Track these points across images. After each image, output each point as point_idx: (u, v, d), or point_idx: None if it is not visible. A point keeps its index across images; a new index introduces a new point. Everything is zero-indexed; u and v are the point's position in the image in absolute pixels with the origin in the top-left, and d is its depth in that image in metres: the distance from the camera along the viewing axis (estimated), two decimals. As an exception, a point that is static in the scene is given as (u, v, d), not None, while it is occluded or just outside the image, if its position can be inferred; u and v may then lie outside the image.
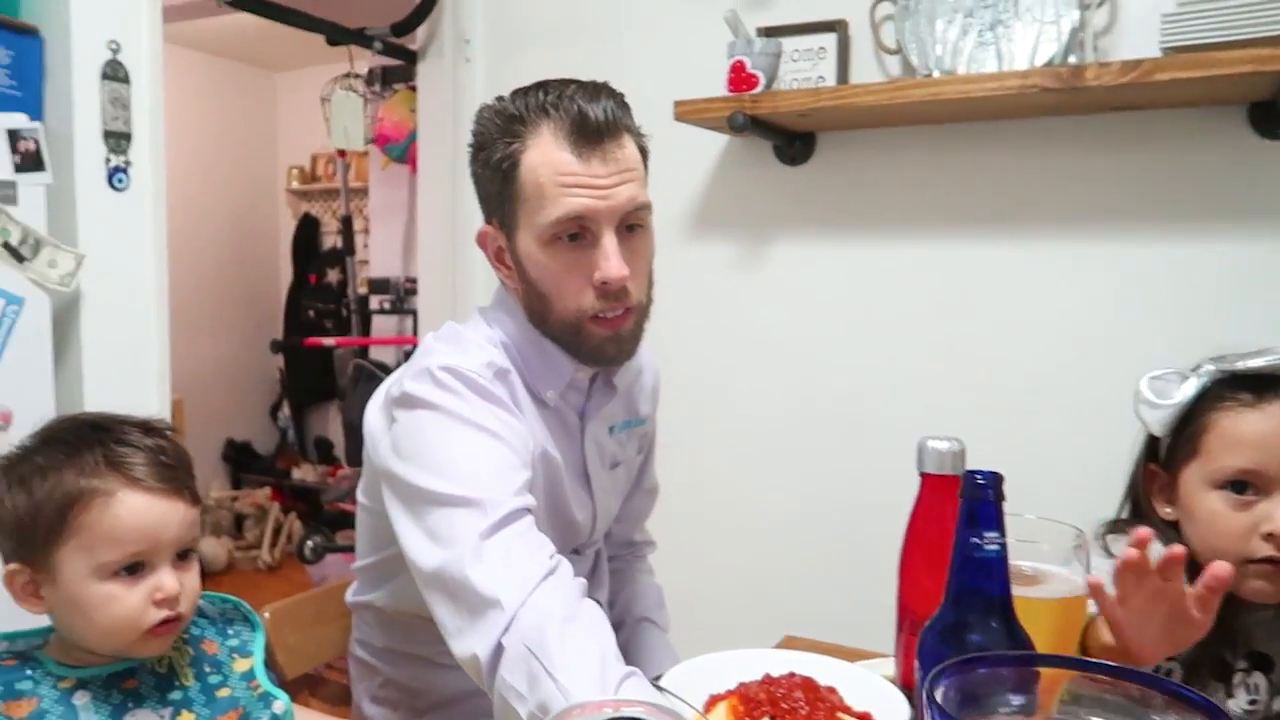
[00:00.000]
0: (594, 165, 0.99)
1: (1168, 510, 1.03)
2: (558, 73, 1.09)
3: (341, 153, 3.96)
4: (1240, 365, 0.98)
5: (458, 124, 2.28)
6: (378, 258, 3.96)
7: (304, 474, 4.60)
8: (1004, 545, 0.65)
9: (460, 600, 0.87)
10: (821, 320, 1.99)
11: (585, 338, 1.04)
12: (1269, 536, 0.92)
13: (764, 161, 2.03)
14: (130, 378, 1.69)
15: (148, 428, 0.90)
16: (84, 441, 0.85)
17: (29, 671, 0.83)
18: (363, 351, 3.88)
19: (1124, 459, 1.09)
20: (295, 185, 4.96)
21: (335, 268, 4.56)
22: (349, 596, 1.22)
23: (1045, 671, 0.58)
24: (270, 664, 1.04)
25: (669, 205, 2.13)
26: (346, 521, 3.55)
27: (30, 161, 1.55)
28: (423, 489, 0.94)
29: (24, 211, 1.53)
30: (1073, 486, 1.26)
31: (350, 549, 1.24)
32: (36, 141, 1.55)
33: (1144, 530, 0.83)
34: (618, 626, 1.31)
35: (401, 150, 3.40)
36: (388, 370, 2.89)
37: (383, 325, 3.91)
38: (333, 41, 2.64)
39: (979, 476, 0.65)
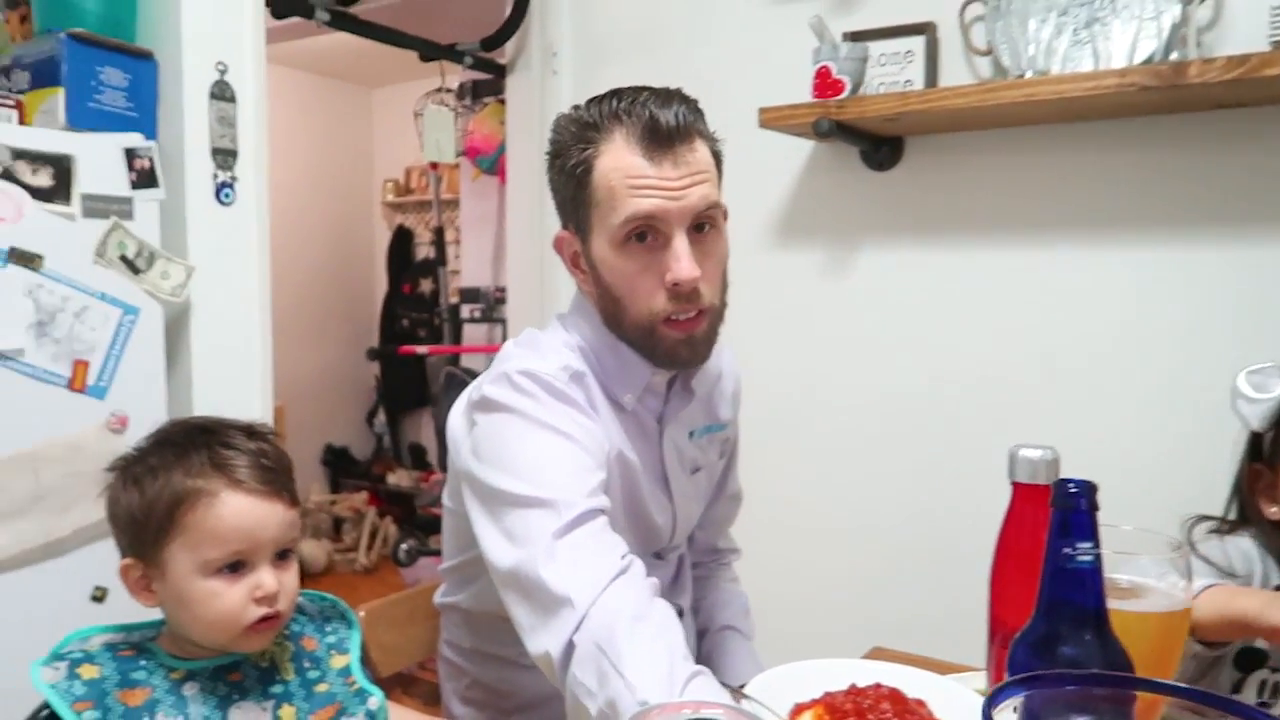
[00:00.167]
0: (665, 168, 1.00)
1: (1273, 510, 1.00)
2: (642, 83, 1.09)
3: (434, 165, 4.06)
4: None
5: (544, 135, 2.28)
6: (468, 267, 4.04)
7: (399, 479, 4.72)
8: (1098, 556, 0.63)
9: (534, 599, 0.89)
10: (910, 327, 1.95)
11: (659, 340, 1.05)
12: None
13: (851, 167, 2.00)
14: (236, 383, 1.77)
15: (251, 431, 0.94)
16: (192, 444, 0.89)
17: (143, 662, 0.88)
18: (454, 359, 3.97)
19: (1227, 468, 1.05)
20: (390, 198, 5.11)
21: (428, 278, 4.67)
22: (437, 598, 1.25)
23: (1143, 695, 0.56)
24: (365, 661, 1.08)
25: (755, 212, 2.12)
26: (439, 526, 3.62)
27: (145, 178, 1.63)
28: (499, 490, 0.96)
29: (139, 226, 1.62)
30: (1174, 498, 1.21)
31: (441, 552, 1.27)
32: (151, 159, 1.64)
33: None
34: (701, 634, 1.31)
35: (491, 162, 3.47)
36: (476, 377, 2.95)
37: (473, 333, 4.00)
38: (425, 58, 2.72)
39: (1071, 485, 0.64)
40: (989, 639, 0.84)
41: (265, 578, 0.87)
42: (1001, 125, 1.83)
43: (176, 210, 1.69)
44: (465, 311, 4.03)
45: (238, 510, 0.86)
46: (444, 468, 1.23)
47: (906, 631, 1.34)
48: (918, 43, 1.89)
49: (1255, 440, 1.03)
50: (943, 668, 1.00)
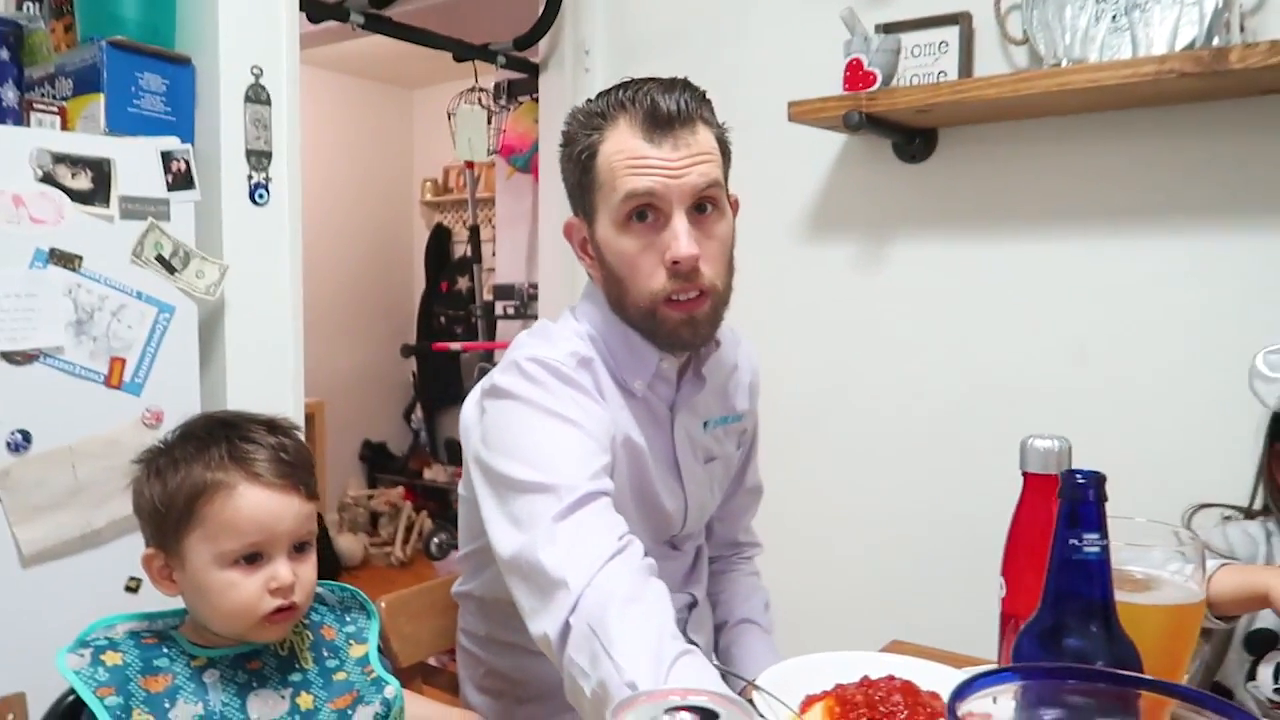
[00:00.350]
0: (665, 149, 1.02)
1: None
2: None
3: (470, 164, 4.09)
4: None
5: (576, 133, 2.33)
6: (503, 265, 4.07)
7: (435, 474, 4.77)
8: (1105, 547, 0.61)
9: (533, 582, 0.91)
10: (943, 321, 1.93)
11: (660, 321, 1.06)
12: None
13: (883, 160, 1.98)
14: (268, 379, 1.80)
15: (273, 426, 0.95)
16: (213, 437, 0.91)
17: (165, 650, 0.90)
18: (488, 356, 4.00)
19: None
20: (429, 197, 5.17)
21: (465, 275, 4.72)
22: (454, 587, 1.27)
23: (1147, 696, 0.55)
24: (384, 651, 1.09)
25: (787, 207, 2.11)
26: (471, 521, 3.66)
27: (181, 180, 1.67)
28: (505, 476, 0.98)
29: (175, 226, 1.65)
30: (1204, 494, 1.18)
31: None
32: (187, 162, 1.68)
33: None
34: (720, 627, 1.31)
35: (525, 160, 3.49)
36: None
37: (507, 330, 4.02)
38: (459, 58, 2.74)
39: (1079, 475, 0.63)
40: (1000, 630, 0.83)
41: (281, 570, 0.88)
42: (1037, 115, 1.80)
43: (212, 211, 1.73)
44: (499, 308, 4.06)
45: (255, 503, 0.88)
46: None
47: (929, 627, 1.32)
48: (952, 33, 1.87)
49: (1276, 420, 1.05)
50: (960, 661, 0.98)
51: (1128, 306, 1.73)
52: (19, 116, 1.64)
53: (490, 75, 3.38)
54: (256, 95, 1.79)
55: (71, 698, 0.88)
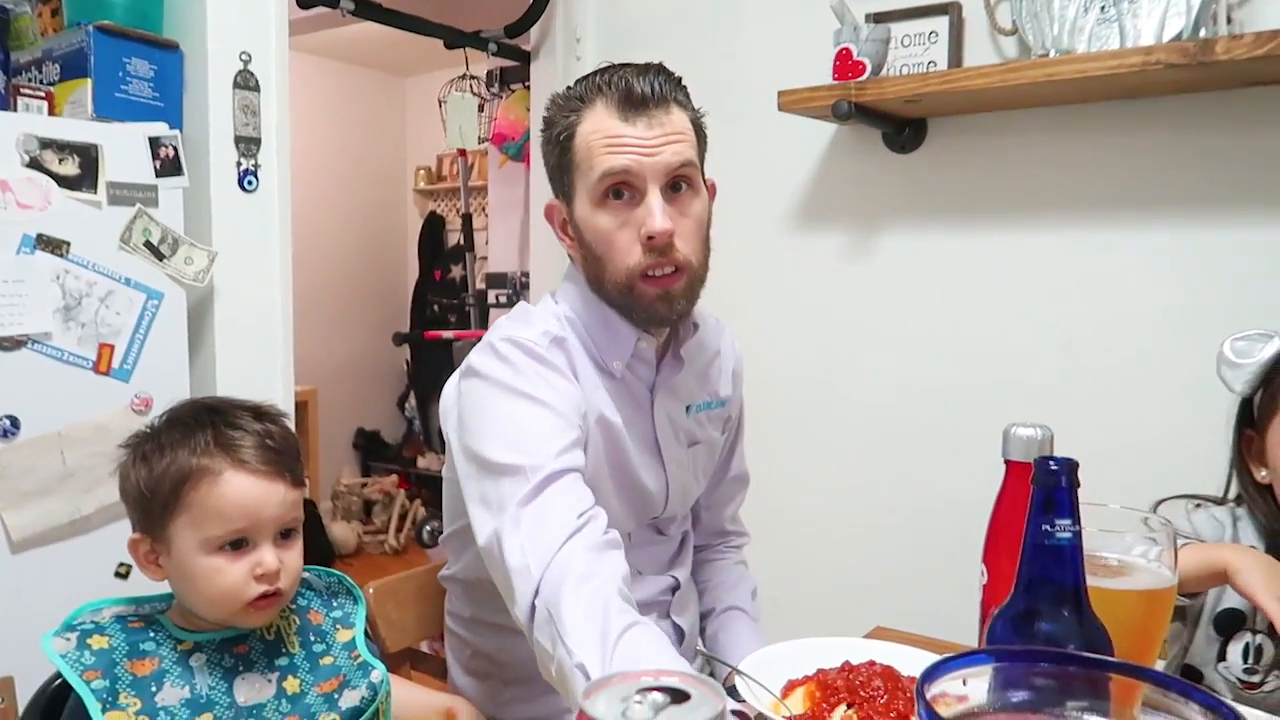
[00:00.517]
0: (639, 127, 1.04)
1: (1262, 474, 1.03)
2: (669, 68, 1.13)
3: (462, 152, 4.08)
4: None
5: (567, 121, 2.33)
6: (496, 253, 4.06)
7: (428, 463, 4.77)
8: (1077, 534, 0.62)
9: (503, 568, 0.94)
10: (931, 310, 1.94)
11: (637, 297, 1.08)
12: None
13: (873, 150, 1.99)
14: (258, 365, 1.81)
15: (259, 413, 0.95)
16: (199, 423, 0.91)
17: (152, 634, 0.90)
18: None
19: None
20: (422, 185, 5.15)
21: (458, 263, 4.71)
22: (441, 572, 1.29)
23: (1117, 679, 0.56)
24: (372, 636, 1.10)
25: (776, 196, 2.11)
26: (464, 509, 3.66)
27: (169, 166, 1.67)
28: (477, 454, 1.01)
29: (163, 213, 1.65)
30: (1188, 482, 1.19)
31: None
32: (175, 148, 1.67)
33: None
34: (708, 615, 1.32)
35: (517, 148, 3.48)
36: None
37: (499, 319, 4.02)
38: (450, 45, 2.73)
39: (1052, 462, 0.64)
40: (981, 616, 0.84)
41: (266, 556, 0.89)
42: (1025, 106, 1.80)
43: (200, 197, 1.73)
44: (492, 297, 4.05)
45: (240, 489, 0.88)
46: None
47: (916, 614, 1.33)
48: (942, 23, 1.87)
49: (1246, 406, 1.07)
50: (942, 647, 0.99)
51: (1114, 296, 1.74)
52: (5, 101, 1.64)
53: (482, 63, 3.37)
54: (245, 81, 1.79)
55: (58, 681, 0.88)
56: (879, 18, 1.90)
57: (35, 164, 1.49)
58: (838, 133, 2.03)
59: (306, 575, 1.00)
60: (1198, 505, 1.11)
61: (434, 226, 5.05)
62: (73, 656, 0.85)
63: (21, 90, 1.61)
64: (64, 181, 1.53)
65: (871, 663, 0.87)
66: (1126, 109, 1.71)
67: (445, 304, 4.78)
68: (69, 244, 1.53)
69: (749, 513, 1.43)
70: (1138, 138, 1.71)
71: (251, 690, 0.91)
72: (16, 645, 1.03)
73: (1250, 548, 1.01)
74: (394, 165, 5.22)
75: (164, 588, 0.94)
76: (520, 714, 1.20)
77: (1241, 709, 0.47)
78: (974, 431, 1.85)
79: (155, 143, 1.65)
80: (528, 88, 2.88)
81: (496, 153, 3.75)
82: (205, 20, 1.73)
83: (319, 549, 3.82)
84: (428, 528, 3.81)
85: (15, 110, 1.59)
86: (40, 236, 1.50)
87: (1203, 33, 1.55)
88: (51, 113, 1.63)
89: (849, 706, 0.82)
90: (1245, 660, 1.02)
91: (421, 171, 5.16)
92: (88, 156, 1.56)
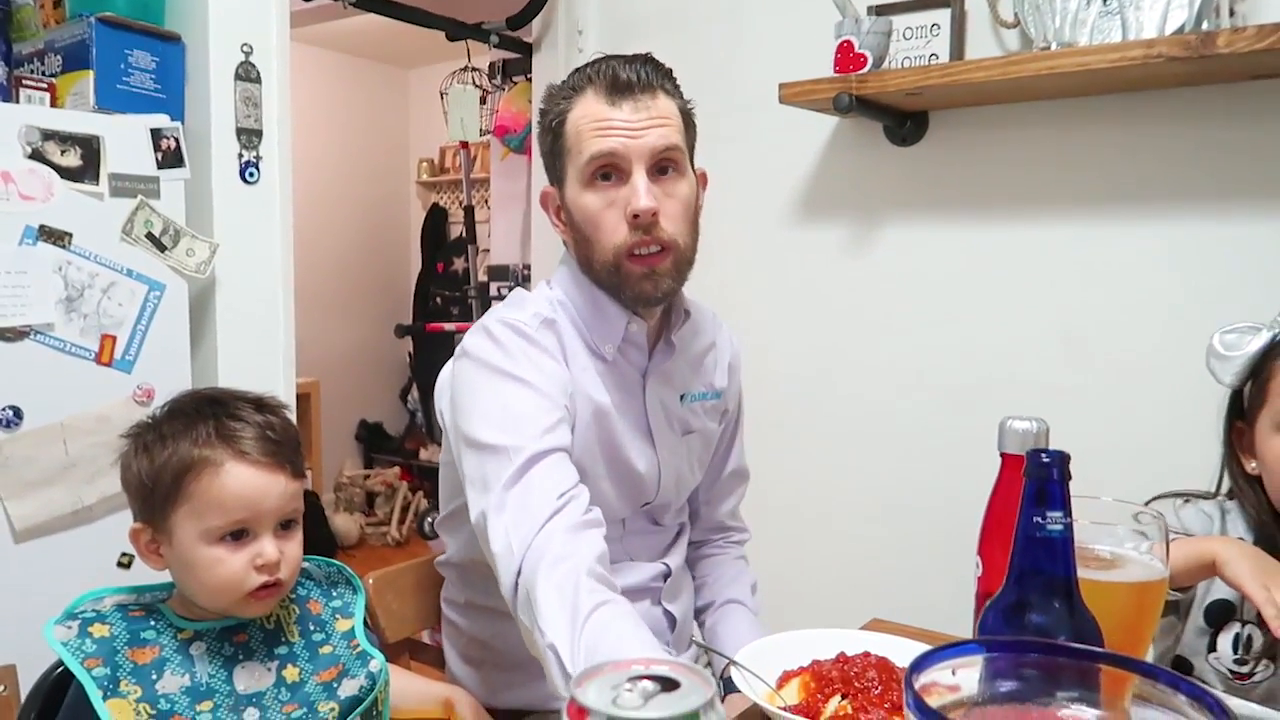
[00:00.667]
0: (625, 111, 1.08)
1: (1252, 465, 1.04)
2: (668, 60, 1.16)
3: (464, 144, 4.08)
4: None
5: (569, 113, 2.33)
6: (498, 245, 4.06)
7: (431, 454, 4.77)
8: (1069, 525, 0.63)
9: (491, 550, 0.96)
10: (931, 303, 1.94)
11: (624, 276, 1.11)
12: None
13: (874, 143, 1.99)
14: (259, 357, 1.81)
15: (260, 404, 0.96)
16: (200, 414, 0.92)
17: (152, 623, 0.91)
18: (483, 337, 3.99)
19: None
20: (425, 177, 5.15)
21: (461, 256, 4.71)
22: (437, 559, 1.30)
23: (1107, 670, 0.56)
24: (371, 626, 1.11)
25: (777, 188, 2.11)
26: (467, 501, 3.67)
27: (171, 158, 1.67)
28: (466, 434, 1.04)
29: (165, 205, 1.65)
30: (1186, 476, 1.19)
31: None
32: (177, 140, 1.68)
33: None
34: (707, 608, 1.33)
35: (519, 141, 3.47)
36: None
37: (502, 312, 4.02)
38: (452, 37, 2.73)
39: (1044, 455, 0.64)
40: (975, 607, 0.85)
41: (267, 547, 0.89)
42: (1027, 99, 1.80)
43: (202, 189, 1.73)
44: (494, 289, 4.05)
45: (241, 480, 0.89)
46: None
47: (915, 607, 1.34)
48: (943, 16, 1.87)
49: (1236, 398, 1.07)
50: (937, 639, 1.00)
51: (1116, 290, 1.74)
52: (7, 93, 1.64)
53: (484, 55, 3.37)
54: (246, 73, 1.79)
55: (60, 669, 0.89)
56: (880, 10, 1.90)
57: (37, 155, 1.50)
58: (839, 125, 2.03)
59: (306, 565, 1.01)
60: (1186, 501, 1.12)
61: (436, 219, 5.05)
62: (74, 644, 0.86)
63: (24, 82, 1.61)
64: (66, 173, 1.53)
65: (866, 654, 0.88)
66: (1128, 102, 1.71)
67: (447, 296, 4.79)
68: (71, 235, 1.53)
69: (747, 503, 1.43)
70: (1140, 131, 1.71)
71: (251, 678, 0.91)
72: (18, 634, 1.04)
73: (1238, 539, 1.01)
74: (396, 157, 5.22)
75: (165, 577, 0.95)
76: (514, 700, 1.22)
77: (1229, 700, 0.47)
78: (972, 424, 1.85)
79: (157, 134, 1.65)
80: (530, 80, 2.88)
81: (499, 145, 3.75)
82: (207, 12, 1.73)
83: (321, 541, 3.84)
84: (430, 519, 3.81)
85: (17, 102, 1.59)
86: (42, 228, 1.50)
87: (1205, 26, 1.54)
88: (53, 104, 1.63)
89: (843, 697, 0.83)
90: (1235, 651, 1.03)
91: (424, 164, 5.16)
92: (89, 148, 1.56)
